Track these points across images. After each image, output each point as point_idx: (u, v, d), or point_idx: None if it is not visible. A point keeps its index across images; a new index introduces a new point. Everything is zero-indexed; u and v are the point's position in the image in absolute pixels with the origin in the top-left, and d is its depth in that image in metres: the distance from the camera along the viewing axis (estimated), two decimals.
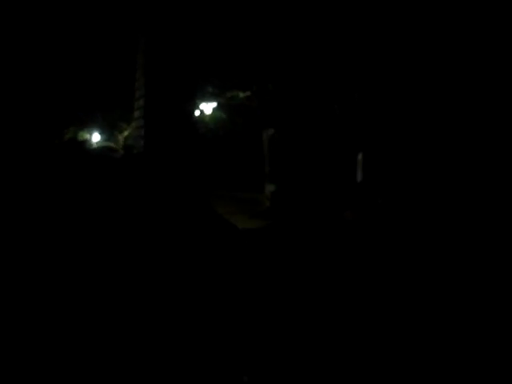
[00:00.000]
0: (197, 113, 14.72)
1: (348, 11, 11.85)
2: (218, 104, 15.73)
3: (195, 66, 8.65)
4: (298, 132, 13.66)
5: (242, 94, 15.04)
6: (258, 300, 3.87)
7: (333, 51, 12.50)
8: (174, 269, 3.20)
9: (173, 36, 7.83)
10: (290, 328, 3.71)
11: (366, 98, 12.68)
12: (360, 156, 15.63)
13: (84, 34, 15.42)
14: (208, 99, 15.19)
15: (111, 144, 19.87)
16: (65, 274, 3.28)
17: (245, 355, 3.33)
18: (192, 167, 6.93)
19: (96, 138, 20.00)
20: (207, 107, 15.47)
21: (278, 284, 4.15)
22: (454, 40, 10.89)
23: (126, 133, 19.34)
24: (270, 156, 14.88)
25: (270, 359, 3.38)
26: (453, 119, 11.09)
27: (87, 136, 20.14)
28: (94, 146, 19.89)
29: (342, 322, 3.86)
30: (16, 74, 16.56)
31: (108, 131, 19.68)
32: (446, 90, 11.17)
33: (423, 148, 11.43)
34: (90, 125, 19.97)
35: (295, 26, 12.73)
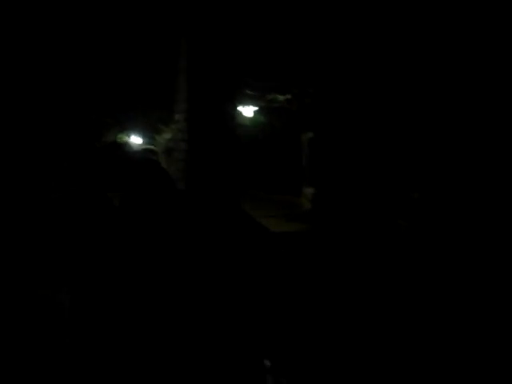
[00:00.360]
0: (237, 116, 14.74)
1: (391, 16, 11.71)
2: (258, 107, 15.71)
3: (237, 70, 8.65)
4: (338, 135, 13.56)
5: (281, 97, 14.99)
6: (288, 302, 3.80)
7: (375, 54, 12.36)
8: (199, 270, 3.17)
9: (215, 40, 7.82)
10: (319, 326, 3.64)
11: (409, 101, 12.51)
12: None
13: (124, 37, 15.58)
14: (248, 102, 15.18)
15: (152, 147, 20.03)
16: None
17: (266, 341, 3.32)
18: (231, 171, 6.88)
19: (136, 140, 20.20)
20: (247, 110, 15.46)
21: (313, 289, 4.07)
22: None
23: (165, 135, 19.48)
24: (309, 159, 14.80)
25: (291, 345, 3.35)
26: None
27: (127, 138, 20.36)
28: (135, 148, 20.07)
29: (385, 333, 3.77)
30: (57, 77, 16.82)
31: (148, 133, 19.84)
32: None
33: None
34: (129, 127, 20.18)
35: (335, 30, 12.64)
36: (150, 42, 15.16)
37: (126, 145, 20.15)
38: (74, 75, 17.27)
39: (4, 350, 2.67)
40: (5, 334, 2.68)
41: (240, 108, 15.02)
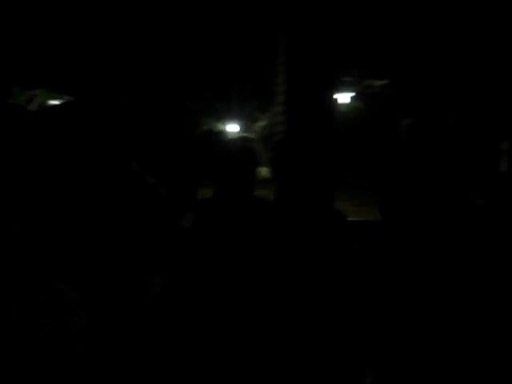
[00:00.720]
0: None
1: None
2: (354, 93, 15.46)
3: (335, 58, 8.52)
4: (438, 120, 13.08)
5: (378, 83, 14.68)
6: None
7: (476, 36, 11.86)
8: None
9: (315, 30, 7.72)
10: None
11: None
12: (505, 145, 14.75)
13: (222, 28, 15.73)
14: (343, 89, 14.96)
15: (248, 134, 20.21)
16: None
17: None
18: (327, 163, 6.78)
19: (232, 128, 20.41)
20: (343, 97, 15.24)
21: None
22: None
23: (261, 123, 19.58)
24: (409, 146, 14.39)
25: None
26: None
27: (224, 127, 20.61)
28: (231, 136, 20.33)
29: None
30: (156, 68, 17.27)
31: (244, 121, 20.01)
32: None
33: None
34: (226, 115, 20.41)
35: (434, 15, 12.20)
36: (248, 32, 15.24)
37: (223, 133, 20.41)
38: (171, 64, 17.69)
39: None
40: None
41: (336, 95, 14.83)
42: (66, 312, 2.50)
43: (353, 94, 15.25)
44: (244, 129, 20.37)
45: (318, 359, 3.10)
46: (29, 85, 15.42)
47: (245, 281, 2.94)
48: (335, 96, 14.82)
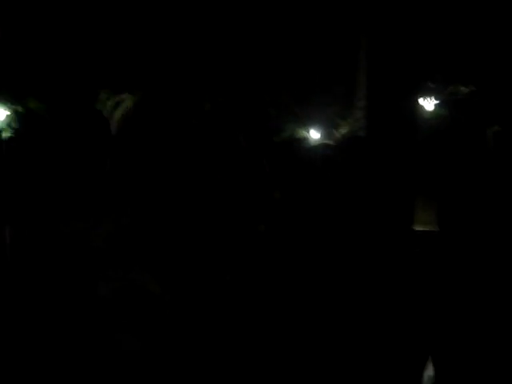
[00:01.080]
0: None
1: None
2: (439, 100, 15.08)
3: (417, 64, 8.38)
4: None
5: (464, 89, 14.27)
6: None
7: None
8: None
9: (396, 35, 7.64)
10: None
11: None
12: None
13: (303, 34, 15.79)
14: (428, 95, 14.62)
15: (329, 141, 20.04)
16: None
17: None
18: (409, 169, 6.70)
19: (313, 135, 20.30)
20: (427, 104, 14.88)
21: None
22: None
23: (342, 129, 19.36)
24: (496, 154, 13.93)
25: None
26: None
27: (305, 133, 20.53)
28: (312, 143, 20.22)
29: None
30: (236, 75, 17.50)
31: (325, 128, 19.87)
32: None
33: None
34: (307, 121, 20.33)
35: None
36: (328, 37, 15.20)
37: (305, 140, 20.32)
38: (253, 70, 17.87)
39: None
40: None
41: (420, 101, 14.51)
42: (149, 300, 2.60)
43: (436, 101, 14.87)
44: (325, 135, 20.22)
45: (380, 351, 3.07)
46: (116, 89, 15.97)
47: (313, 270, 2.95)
48: (419, 103, 14.52)
